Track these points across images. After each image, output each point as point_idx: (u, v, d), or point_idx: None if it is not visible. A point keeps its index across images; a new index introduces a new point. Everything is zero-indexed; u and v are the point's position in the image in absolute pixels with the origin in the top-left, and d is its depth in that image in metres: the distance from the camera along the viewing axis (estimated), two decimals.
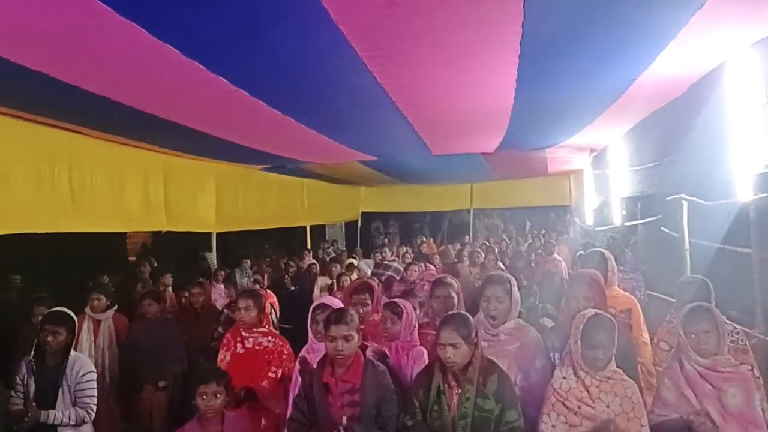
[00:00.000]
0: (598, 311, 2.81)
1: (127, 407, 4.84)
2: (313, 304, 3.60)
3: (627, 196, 6.85)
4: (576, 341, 2.72)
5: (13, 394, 3.50)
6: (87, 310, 4.83)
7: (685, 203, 4.84)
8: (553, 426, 2.69)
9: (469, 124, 5.28)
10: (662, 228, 5.70)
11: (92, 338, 4.75)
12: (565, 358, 2.81)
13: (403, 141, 6.04)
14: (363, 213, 13.63)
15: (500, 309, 3.06)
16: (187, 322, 5.29)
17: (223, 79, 3.39)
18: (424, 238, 12.30)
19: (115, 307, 4.99)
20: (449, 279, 3.73)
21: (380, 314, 3.61)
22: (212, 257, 7.45)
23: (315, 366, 3.09)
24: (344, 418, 2.87)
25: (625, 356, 2.87)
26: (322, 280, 7.41)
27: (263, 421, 3.70)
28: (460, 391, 2.74)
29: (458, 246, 9.96)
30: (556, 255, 6.85)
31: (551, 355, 3.07)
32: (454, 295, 3.60)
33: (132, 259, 10.21)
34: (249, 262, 8.14)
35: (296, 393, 3.12)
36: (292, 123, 4.63)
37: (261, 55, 3.13)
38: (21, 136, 4.41)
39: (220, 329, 4.77)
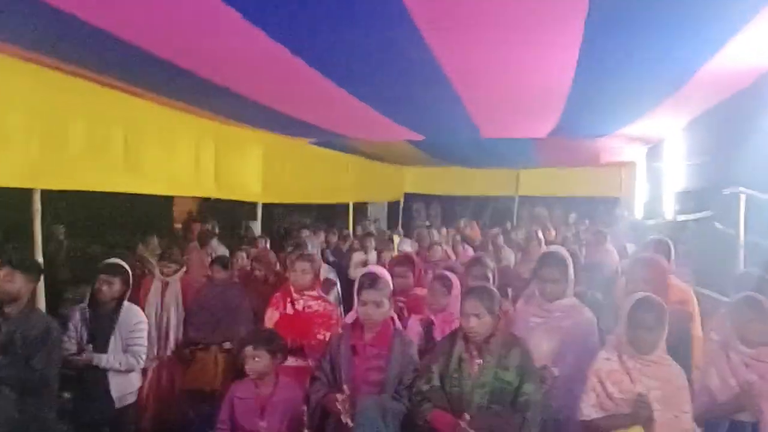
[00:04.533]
0: (648, 294, 2.76)
1: (192, 368, 4.99)
2: (362, 272, 3.66)
3: (680, 191, 6.66)
4: (623, 322, 2.69)
5: (65, 338, 3.63)
6: (156, 272, 4.98)
7: (743, 197, 4.67)
8: (592, 405, 2.69)
9: (523, 105, 5.19)
10: (716, 224, 5.52)
11: (160, 298, 4.90)
12: (612, 340, 2.79)
13: (454, 121, 5.98)
14: (406, 194, 13.60)
15: (555, 286, 3.06)
16: (254, 289, 5.39)
17: (283, 47, 3.38)
18: (468, 221, 12.20)
19: (184, 268, 5.13)
20: (486, 259, 3.77)
21: (426, 287, 3.62)
22: (257, 226, 7.54)
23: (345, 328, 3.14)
24: (348, 386, 2.92)
25: (679, 345, 2.82)
26: (357, 256, 7.43)
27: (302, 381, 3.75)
28: (480, 361, 2.78)
29: (498, 230, 9.85)
30: (608, 245, 6.71)
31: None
32: (489, 275, 3.68)
33: (178, 225, 10.41)
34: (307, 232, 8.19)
35: (323, 353, 3.17)
36: (344, 95, 4.62)
37: (320, 23, 3.12)
38: (79, 94, 4.49)
39: None
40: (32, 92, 4.03)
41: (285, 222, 10.59)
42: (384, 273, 3.27)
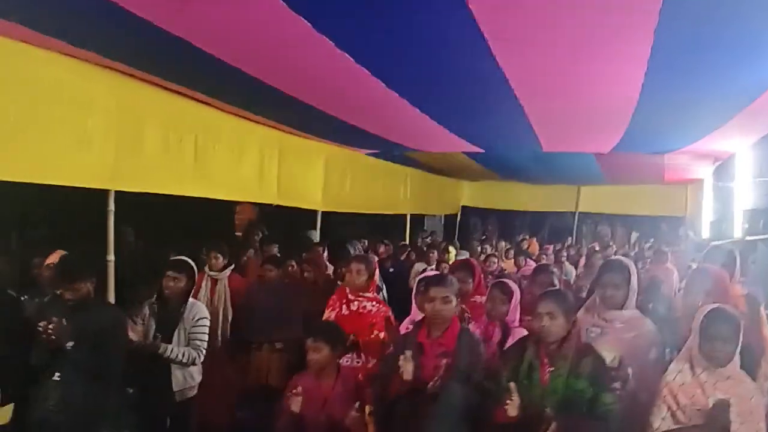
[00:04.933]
0: (720, 305, 2.68)
1: (243, 366, 5.11)
2: (419, 277, 3.70)
3: (749, 209, 6.44)
4: (695, 334, 2.62)
5: (133, 330, 3.82)
6: (206, 269, 5.15)
7: None
8: (663, 419, 2.63)
9: (587, 119, 5.13)
10: None
11: (209, 296, 5.05)
12: (683, 353, 2.71)
13: (515, 133, 5.95)
14: (463, 207, 13.56)
15: (616, 295, 3.01)
16: (305, 290, 5.50)
17: (348, 56, 3.47)
18: (527, 237, 12.06)
19: (232, 266, 5.27)
20: (553, 267, 3.75)
21: (484, 295, 3.63)
22: (315, 235, 7.67)
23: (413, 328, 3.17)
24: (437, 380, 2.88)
25: (746, 356, 2.73)
26: (419, 266, 7.46)
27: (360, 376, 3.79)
28: (552, 367, 2.72)
29: (558, 246, 9.71)
30: (669, 264, 6.54)
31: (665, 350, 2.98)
32: (556, 282, 3.69)
33: (238, 234, 10.68)
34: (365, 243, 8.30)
35: (388, 352, 3.21)
36: (406, 105, 4.68)
37: (385, 33, 3.19)
38: (154, 101, 4.71)
39: None
40: (110, 98, 4.25)
41: (342, 232, 10.69)
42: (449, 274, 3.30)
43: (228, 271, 5.26)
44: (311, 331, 3.32)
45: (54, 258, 3.98)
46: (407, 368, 2.92)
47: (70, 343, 3.27)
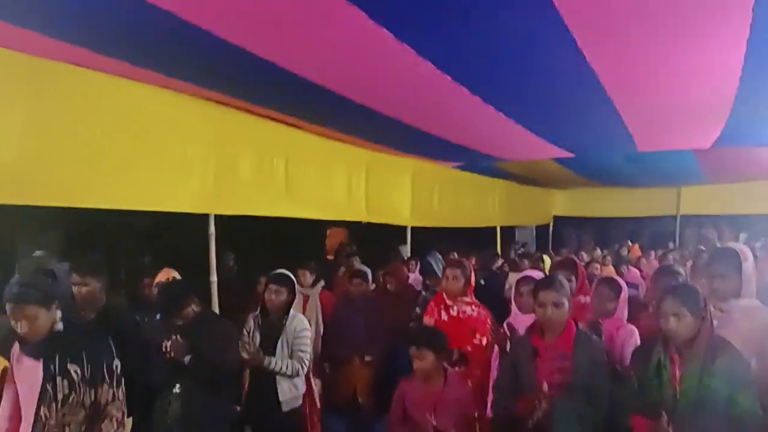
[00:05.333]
0: None
1: (333, 380, 5.19)
2: (518, 277, 3.65)
3: None
4: None
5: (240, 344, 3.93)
6: (296, 286, 5.27)
7: None
8: None
9: (683, 113, 4.88)
10: None
11: (301, 312, 5.16)
12: None
13: (607, 133, 5.76)
14: (555, 217, 13.23)
15: (724, 283, 2.83)
16: (388, 303, 5.55)
17: (430, 63, 3.48)
18: (629, 243, 11.59)
19: (322, 283, 5.39)
20: (677, 267, 3.58)
21: (588, 295, 3.51)
22: (406, 250, 7.71)
23: (523, 333, 3.10)
24: (545, 385, 2.81)
25: None
26: (513, 277, 7.31)
27: (469, 383, 3.76)
28: (683, 367, 2.56)
29: (660, 252, 9.25)
30: None
31: None
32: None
33: (330, 257, 10.91)
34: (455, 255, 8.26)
35: (502, 358, 3.15)
36: (491, 112, 4.63)
37: (469, 38, 3.17)
38: (247, 127, 4.94)
39: (418, 310, 4.96)
40: (207, 127, 4.49)
41: (433, 246, 10.69)
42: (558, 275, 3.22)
43: (319, 287, 5.38)
44: (414, 339, 3.32)
45: (162, 276, 4.20)
46: (539, 407, 2.83)
47: (188, 358, 3.45)
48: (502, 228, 10.86)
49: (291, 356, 4.01)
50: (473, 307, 4.06)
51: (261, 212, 5.21)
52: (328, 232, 12.25)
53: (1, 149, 3.10)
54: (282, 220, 5.53)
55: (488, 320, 3.98)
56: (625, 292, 3.39)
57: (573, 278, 3.83)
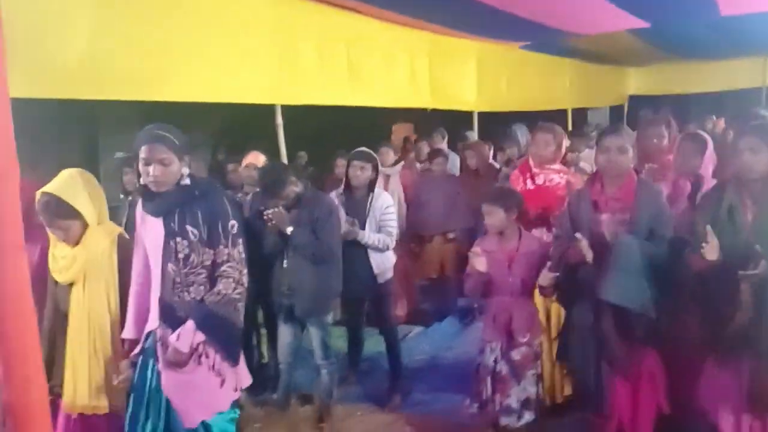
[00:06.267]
0: None
1: (419, 257, 5.42)
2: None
3: None
4: None
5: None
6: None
7: None
8: None
9: None
10: None
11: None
12: None
13: None
14: (631, 97, 12.62)
15: None
16: (469, 180, 5.62)
17: None
18: (714, 118, 11.00)
19: (402, 163, 5.49)
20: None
21: (675, 147, 3.41)
22: (473, 136, 7.59)
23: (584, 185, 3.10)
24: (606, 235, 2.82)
25: None
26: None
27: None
28: (756, 207, 2.54)
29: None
30: None
31: None
32: None
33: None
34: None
35: (561, 211, 3.18)
36: None
37: None
38: (309, 16, 4.87)
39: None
40: (270, 15, 4.46)
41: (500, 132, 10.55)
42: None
43: (399, 167, 5.47)
44: (486, 196, 3.41)
45: (251, 159, 4.34)
46: (582, 246, 2.87)
47: (290, 229, 3.66)
48: (573, 110, 10.49)
49: (379, 232, 4.18)
50: (562, 174, 3.98)
51: (325, 101, 5.23)
52: (393, 127, 12.23)
53: (73, 45, 3.18)
54: (347, 117, 5.58)
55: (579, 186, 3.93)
56: (710, 146, 3.27)
57: (666, 134, 3.69)
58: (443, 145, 7.21)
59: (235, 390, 2.78)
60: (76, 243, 2.79)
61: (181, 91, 4.00)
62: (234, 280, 2.60)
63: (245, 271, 2.68)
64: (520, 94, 8.37)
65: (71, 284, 2.80)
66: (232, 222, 2.64)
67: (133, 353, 2.71)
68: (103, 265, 2.79)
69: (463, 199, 5.28)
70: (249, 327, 4.30)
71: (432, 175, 5.46)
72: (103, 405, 2.79)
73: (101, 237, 2.82)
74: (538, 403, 3.36)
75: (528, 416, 3.31)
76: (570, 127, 10.33)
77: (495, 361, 3.36)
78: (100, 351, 2.77)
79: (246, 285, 2.69)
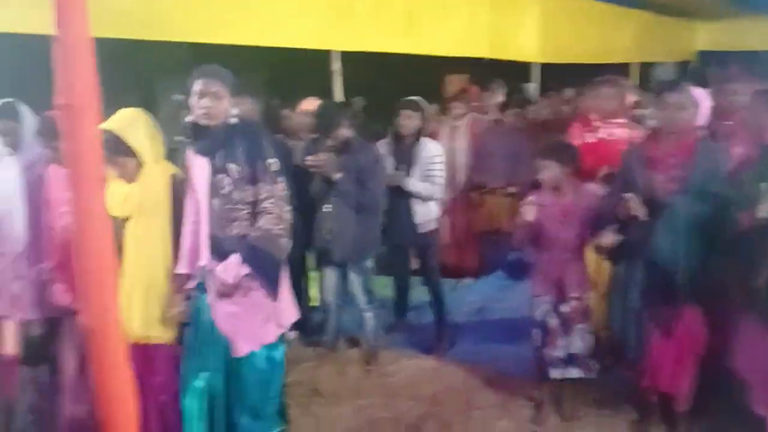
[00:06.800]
0: None
1: (478, 209, 5.41)
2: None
3: None
4: None
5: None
6: (443, 118, 5.44)
7: None
8: None
9: None
10: None
11: (448, 142, 5.32)
12: None
13: None
14: (699, 53, 12.03)
15: None
16: (536, 133, 5.54)
17: None
18: None
19: (470, 113, 5.45)
20: None
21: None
22: (531, 88, 7.39)
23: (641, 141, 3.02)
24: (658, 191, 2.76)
25: None
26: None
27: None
28: None
29: None
30: None
31: None
32: None
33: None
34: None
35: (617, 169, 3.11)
36: None
37: None
38: None
39: None
40: None
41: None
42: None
43: (467, 119, 5.43)
44: (540, 150, 3.35)
45: (307, 105, 4.36)
46: (632, 204, 2.81)
47: (338, 175, 3.70)
48: (641, 66, 10.09)
49: (424, 181, 4.17)
50: (625, 129, 3.87)
51: (380, 48, 5.17)
52: (447, 79, 11.99)
53: None
54: (401, 69, 5.51)
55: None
56: None
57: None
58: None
59: (281, 324, 2.89)
60: (132, 180, 2.86)
61: (237, 34, 4.02)
62: (275, 216, 2.68)
63: (287, 208, 2.75)
64: (583, 46, 8.05)
65: (126, 219, 2.88)
66: (272, 160, 2.72)
67: (186, 286, 2.82)
68: (157, 203, 2.87)
69: (527, 152, 5.22)
70: (300, 270, 4.39)
71: (500, 126, 5.41)
72: (157, 335, 2.90)
73: (157, 175, 2.89)
74: (585, 357, 3.34)
75: (575, 371, 3.31)
76: (637, 82, 9.99)
77: (544, 315, 3.35)
78: (154, 283, 2.86)
79: (289, 221, 2.76)
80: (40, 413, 3.13)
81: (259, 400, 2.84)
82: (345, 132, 3.77)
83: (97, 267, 1.85)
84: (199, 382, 2.81)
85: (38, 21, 3.20)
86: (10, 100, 3.05)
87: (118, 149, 2.79)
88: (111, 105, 3.01)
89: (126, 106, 2.94)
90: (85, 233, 1.82)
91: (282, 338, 2.95)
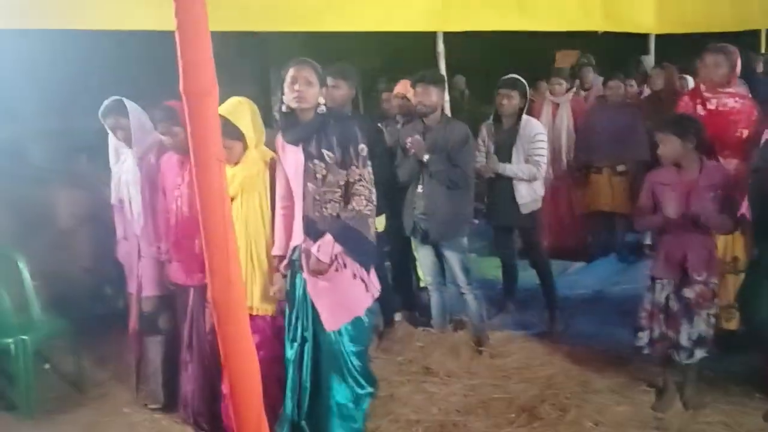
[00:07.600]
0: None
1: (585, 188, 5.24)
2: None
3: None
4: None
5: (476, 153, 4.18)
6: (547, 94, 5.25)
7: None
8: None
9: None
10: None
11: (551, 121, 5.17)
12: None
13: None
14: None
15: None
16: (649, 108, 5.30)
17: None
18: None
19: (574, 90, 5.28)
20: None
21: None
22: (649, 60, 6.98)
23: None
24: None
25: None
26: None
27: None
28: None
29: None
30: None
31: None
32: None
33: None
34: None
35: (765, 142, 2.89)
36: None
37: None
38: None
39: None
40: None
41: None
42: None
43: (569, 95, 5.27)
44: (659, 124, 3.20)
45: (400, 88, 4.39)
46: None
47: (427, 156, 3.76)
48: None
49: (526, 161, 4.11)
50: (737, 98, 3.63)
51: (491, 27, 5.10)
52: (557, 55, 11.60)
53: None
54: (510, 45, 5.38)
55: (754, 112, 3.58)
56: None
57: None
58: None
59: (370, 298, 3.02)
60: (236, 163, 3.03)
61: (345, 22, 4.10)
62: (365, 198, 2.85)
63: (374, 189, 2.92)
64: (704, 14, 7.47)
65: (231, 199, 3.05)
66: (362, 145, 2.87)
67: (282, 264, 3.01)
68: (257, 184, 3.06)
69: (640, 129, 4.93)
70: (407, 251, 4.43)
71: (606, 102, 5.16)
72: (259, 307, 3.07)
73: (258, 159, 3.08)
74: (711, 341, 3.14)
75: (699, 353, 3.13)
76: (764, 48, 9.19)
77: (666, 299, 3.18)
78: (256, 260, 3.06)
79: (375, 202, 2.92)
80: (165, 377, 3.48)
81: (350, 366, 2.99)
82: (438, 98, 3.83)
83: (223, 242, 1.95)
84: (291, 353, 3.01)
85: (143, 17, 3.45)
86: (117, 98, 3.31)
87: (226, 132, 2.94)
88: (226, 95, 3.18)
89: (239, 95, 3.09)
90: (209, 210, 1.93)
91: (370, 309, 3.08)
